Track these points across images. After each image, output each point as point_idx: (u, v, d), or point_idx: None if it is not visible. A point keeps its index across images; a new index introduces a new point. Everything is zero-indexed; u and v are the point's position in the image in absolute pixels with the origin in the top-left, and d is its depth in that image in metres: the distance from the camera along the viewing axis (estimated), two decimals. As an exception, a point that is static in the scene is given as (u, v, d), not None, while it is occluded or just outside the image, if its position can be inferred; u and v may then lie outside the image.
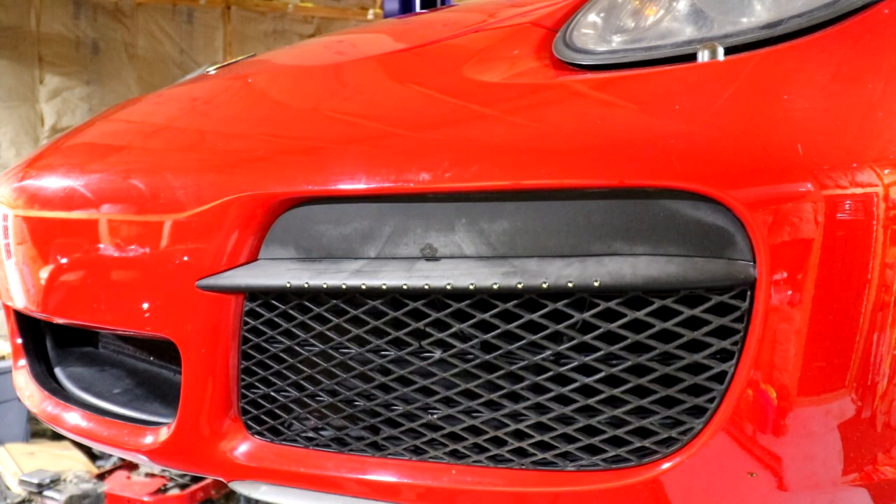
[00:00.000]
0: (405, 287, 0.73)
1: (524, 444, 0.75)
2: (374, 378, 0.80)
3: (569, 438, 0.74)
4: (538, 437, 0.74)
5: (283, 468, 0.87)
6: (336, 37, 1.41)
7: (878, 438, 0.69)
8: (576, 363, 0.71)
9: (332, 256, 0.80)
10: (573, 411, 0.73)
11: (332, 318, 0.80)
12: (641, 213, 0.68)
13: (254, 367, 0.86)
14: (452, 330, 0.75)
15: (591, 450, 0.73)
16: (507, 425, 0.75)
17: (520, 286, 0.70)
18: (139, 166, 0.95)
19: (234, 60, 1.49)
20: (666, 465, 0.70)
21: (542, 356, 0.72)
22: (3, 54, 4.34)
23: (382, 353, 0.80)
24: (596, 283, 0.68)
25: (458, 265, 0.73)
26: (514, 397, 0.75)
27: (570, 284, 0.68)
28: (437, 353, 0.76)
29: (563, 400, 0.73)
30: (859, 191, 0.64)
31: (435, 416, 0.78)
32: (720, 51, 0.70)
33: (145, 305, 0.90)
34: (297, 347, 0.83)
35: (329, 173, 0.77)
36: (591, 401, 0.72)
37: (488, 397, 0.75)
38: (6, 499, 2.72)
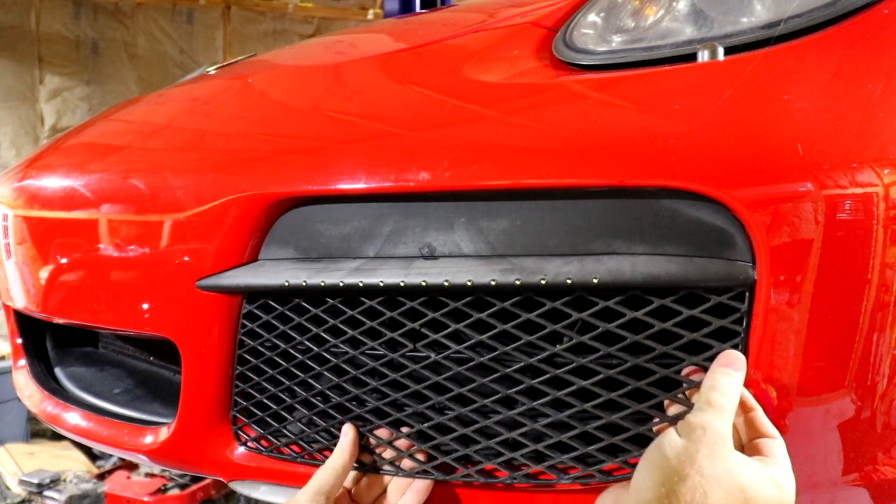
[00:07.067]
0: (402, 284, 0.73)
1: (516, 455, 0.74)
2: (369, 382, 0.80)
3: (563, 448, 0.73)
4: (532, 447, 0.73)
5: (283, 468, 0.87)
6: (336, 37, 1.41)
7: (878, 438, 0.69)
8: (573, 365, 0.71)
9: (332, 256, 0.79)
10: (568, 417, 0.72)
11: (329, 319, 0.80)
12: (641, 212, 0.68)
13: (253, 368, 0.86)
14: (449, 330, 0.74)
15: (587, 461, 0.72)
16: (500, 433, 0.74)
17: (518, 283, 0.69)
18: (139, 166, 0.95)
19: (234, 60, 1.49)
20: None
21: (538, 357, 0.72)
22: (3, 54, 4.33)
23: (378, 356, 0.79)
24: (595, 281, 0.68)
25: (457, 263, 0.73)
26: (509, 401, 0.74)
27: (568, 281, 0.68)
28: (432, 356, 0.76)
29: (559, 405, 0.72)
30: (859, 191, 0.64)
31: (425, 426, 0.77)
32: (720, 51, 0.70)
33: (145, 305, 0.90)
34: (296, 348, 0.83)
35: (329, 173, 0.77)
36: (587, 405, 0.71)
37: (481, 402, 0.74)
38: (6, 499, 2.72)
